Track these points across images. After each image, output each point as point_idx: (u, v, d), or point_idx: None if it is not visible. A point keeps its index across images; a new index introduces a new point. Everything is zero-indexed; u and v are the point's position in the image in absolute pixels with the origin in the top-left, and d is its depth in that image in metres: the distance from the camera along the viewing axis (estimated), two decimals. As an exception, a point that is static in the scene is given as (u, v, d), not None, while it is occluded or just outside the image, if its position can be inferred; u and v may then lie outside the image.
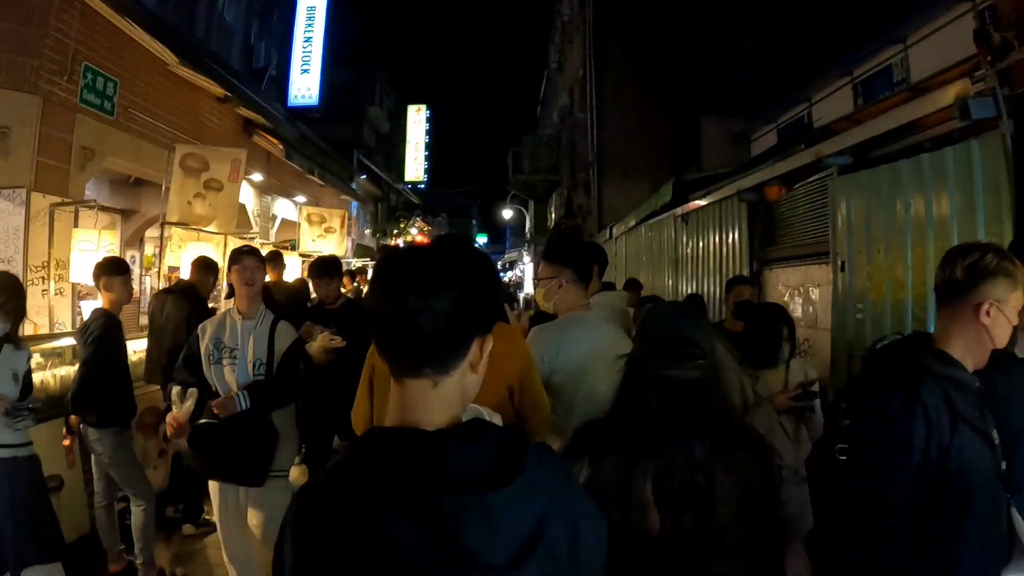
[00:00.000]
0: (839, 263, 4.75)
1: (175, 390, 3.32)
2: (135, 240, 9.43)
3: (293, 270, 8.69)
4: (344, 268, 12.18)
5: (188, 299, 4.92)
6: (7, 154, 5.71)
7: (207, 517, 4.85)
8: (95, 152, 6.68)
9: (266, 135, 11.03)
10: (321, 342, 4.41)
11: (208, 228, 6.88)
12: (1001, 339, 1.73)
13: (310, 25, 17.69)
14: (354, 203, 18.42)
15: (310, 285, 6.00)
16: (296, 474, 4.28)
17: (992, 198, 3.39)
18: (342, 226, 10.83)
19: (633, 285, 7.33)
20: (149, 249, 9.42)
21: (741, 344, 3.40)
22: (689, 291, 8.17)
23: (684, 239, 8.55)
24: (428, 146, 34.96)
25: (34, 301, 5.82)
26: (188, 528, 4.96)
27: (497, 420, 1.11)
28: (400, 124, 33.30)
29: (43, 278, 5.95)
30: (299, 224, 10.69)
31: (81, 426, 4.05)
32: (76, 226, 6.27)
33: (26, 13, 5.80)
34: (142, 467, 4.29)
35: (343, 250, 11.15)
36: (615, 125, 15.90)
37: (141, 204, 9.12)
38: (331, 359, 4.38)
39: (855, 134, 4.62)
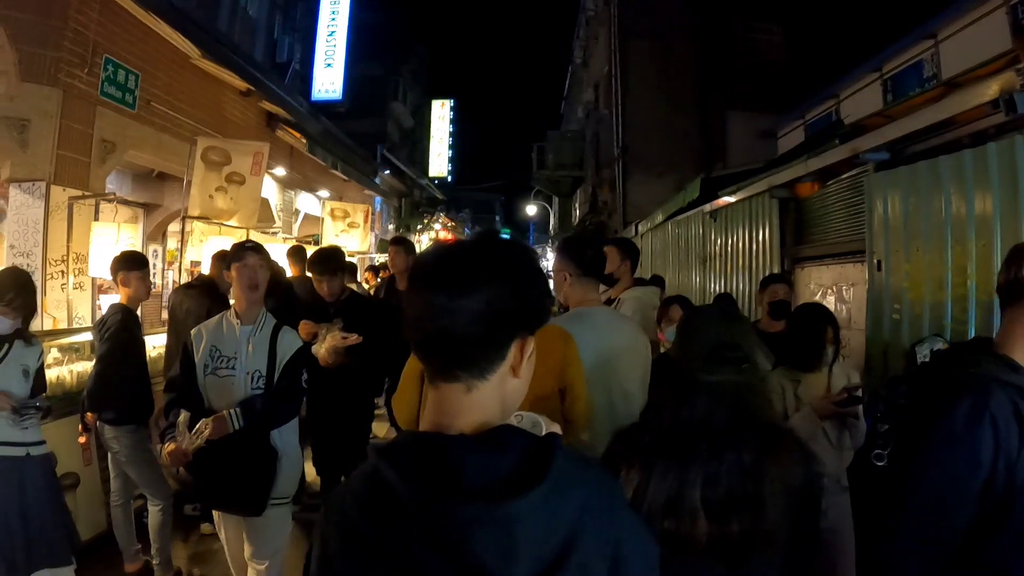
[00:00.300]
0: (875, 261, 4.65)
1: (183, 416, 2.89)
2: (158, 234, 9.45)
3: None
4: (368, 264, 12.26)
5: (208, 294, 4.84)
6: (27, 147, 5.69)
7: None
8: (116, 145, 6.66)
9: (289, 129, 11.00)
10: (332, 341, 4.03)
11: (230, 222, 6.82)
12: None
13: (334, 19, 17.79)
14: (377, 198, 18.40)
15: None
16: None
17: (1037, 195, 3.24)
18: (366, 221, 10.79)
19: (655, 283, 7.12)
20: (172, 243, 9.44)
21: (778, 346, 3.22)
22: (717, 289, 8.01)
23: (712, 236, 8.38)
24: (452, 141, 34.98)
25: (53, 295, 5.82)
26: (206, 527, 4.85)
27: (556, 430, 0.99)
28: (424, 119, 33.35)
29: (62, 272, 5.93)
30: (322, 219, 10.69)
31: (98, 423, 4.00)
32: (96, 219, 6.25)
33: (46, 5, 5.76)
34: (160, 466, 4.14)
35: (367, 245, 11.13)
36: (640, 121, 15.80)
37: (164, 198, 9.13)
38: (342, 361, 4.06)
39: (893, 129, 4.47)
